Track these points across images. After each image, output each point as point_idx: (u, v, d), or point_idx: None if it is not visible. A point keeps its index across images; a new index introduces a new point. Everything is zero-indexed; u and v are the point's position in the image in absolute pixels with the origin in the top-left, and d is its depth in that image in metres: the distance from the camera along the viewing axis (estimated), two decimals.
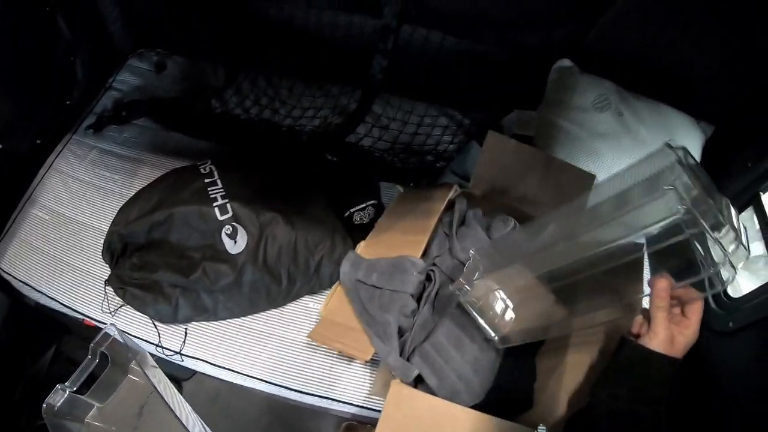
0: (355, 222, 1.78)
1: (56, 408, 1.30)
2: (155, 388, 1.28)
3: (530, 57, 1.94)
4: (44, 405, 1.28)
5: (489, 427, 1.24)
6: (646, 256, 1.55)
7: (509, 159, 1.62)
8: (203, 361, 1.57)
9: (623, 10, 1.70)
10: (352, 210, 1.79)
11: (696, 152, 1.80)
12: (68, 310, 1.65)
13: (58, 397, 1.31)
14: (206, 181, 1.65)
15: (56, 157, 1.95)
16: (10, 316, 1.76)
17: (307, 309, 1.65)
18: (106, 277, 1.62)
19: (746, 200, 1.61)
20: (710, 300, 1.60)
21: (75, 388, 1.32)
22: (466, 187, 1.72)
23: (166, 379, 1.43)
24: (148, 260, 1.58)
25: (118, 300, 1.61)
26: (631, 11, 1.70)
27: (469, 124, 2.13)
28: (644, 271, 1.58)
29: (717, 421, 1.49)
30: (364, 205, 1.80)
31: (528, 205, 1.62)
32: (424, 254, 1.55)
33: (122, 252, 1.63)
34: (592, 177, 1.59)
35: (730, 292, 1.58)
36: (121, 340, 1.37)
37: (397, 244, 1.57)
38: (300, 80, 2.24)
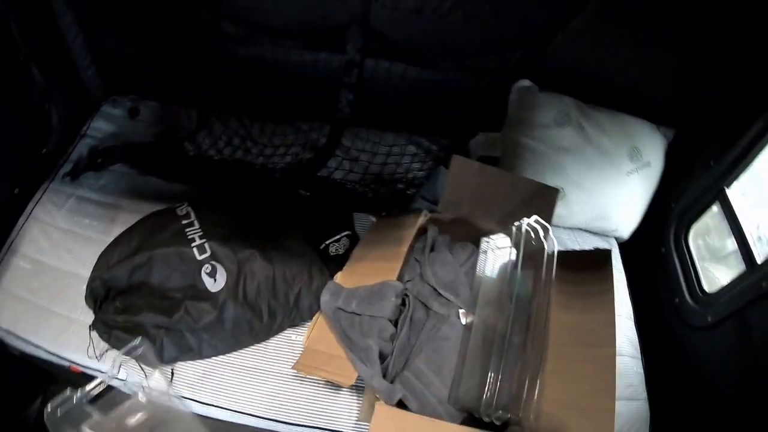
0: (331, 253, 1.83)
1: (58, 413, 1.32)
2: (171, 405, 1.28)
3: (489, 81, 2.03)
4: (47, 407, 1.29)
5: None
6: None
7: (475, 181, 1.69)
8: (192, 400, 1.57)
9: (576, 31, 1.79)
10: (327, 242, 1.83)
11: (659, 156, 1.89)
12: (54, 357, 1.65)
13: (64, 401, 1.33)
14: (183, 222, 1.69)
15: (35, 205, 1.96)
16: None
17: (290, 341, 1.67)
18: (91, 323, 1.63)
19: (712, 197, 1.69)
20: (687, 297, 1.68)
21: (85, 400, 1.34)
22: (436, 211, 1.77)
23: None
24: (130, 303, 1.60)
25: (104, 344, 1.61)
26: (584, 32, 1.80)
27: (437, 150, 2.20)
28: None
29: (699, 412, 1.54)
30: (338, 237, 1.84)
31: (495, 224, 1.67)
32: (398, 280, 1.60)
33: (105, 296, 1.64)
34: (556, 191, 1.65)
35: (706, 287, 1.65)
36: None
37: (373, 272, 1.61)
38: (270, 119, 2.30)
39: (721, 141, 1.68)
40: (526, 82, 1.93)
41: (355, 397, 1.56)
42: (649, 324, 1.82)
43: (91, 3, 2.04)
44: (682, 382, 1.67)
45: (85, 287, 1.66)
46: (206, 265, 1.59)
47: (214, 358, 1.62)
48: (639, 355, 1.73)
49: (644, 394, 1.65)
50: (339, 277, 1.67)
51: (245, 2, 1.99)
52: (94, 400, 1.40)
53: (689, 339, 1.67)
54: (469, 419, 1.39)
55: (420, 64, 2.03)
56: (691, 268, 1.72)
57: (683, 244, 1.78)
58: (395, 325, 1.53)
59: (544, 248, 1.48)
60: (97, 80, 2.28)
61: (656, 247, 1.88)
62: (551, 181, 1.79)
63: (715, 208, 1.71)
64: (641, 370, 1.70)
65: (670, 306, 1.76)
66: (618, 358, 1.60)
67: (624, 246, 2.02)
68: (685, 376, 1.66)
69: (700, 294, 1.66)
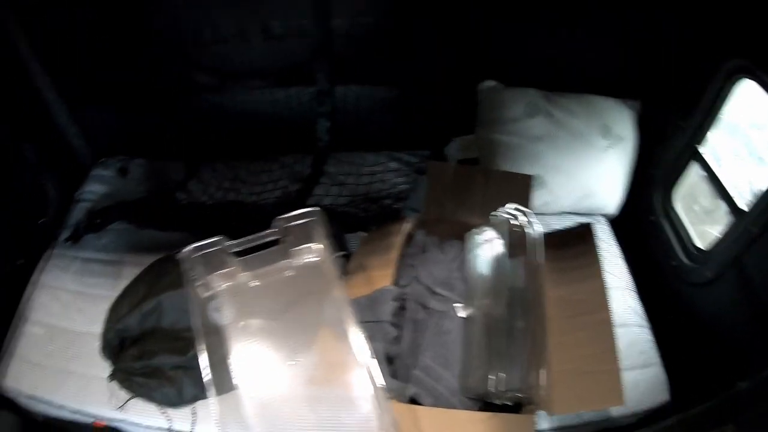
0: None
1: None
2: None
3: (452, 88, 2.14)
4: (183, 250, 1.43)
5: (491, 423, 1.31)
6: None
7: (452, 181, 1.77)
8: None
9: (522, 27, 1.94)
10: None
11: (630, 129, 1.95)
12: (77, 415, 1.68)
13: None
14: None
15: (41, 273, 2.00)
16: None
17: None
18: (109, 374, 1.66)
19: (687, 157, 1.75)
20: (683, 258, 1.72)
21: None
22: (421, 215, 1.83)
23: None
24: (145, 349, 1.64)
25: (124, 395, 1.64)
26: (530, 28, 1.94)
27: (417, 162, 2.28)
28: None
29: (712, 367, 1.55)
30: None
31: (478, 218, 1.74)
32: (394, 285, 1.65)
33: (120, 347, 1.68)
34: (530, 177, 1.73)
35: (700, 245, 1.70)
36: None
37: (368, 281, 1.66)
38: (255, 158, 2.38)
39: (685, 102, 1.73)
40: (490, 82, 2.01)
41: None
42: (652, 292, 1.84)
43: (70, 75, 2.13)
44: (692, 341, 1.69)
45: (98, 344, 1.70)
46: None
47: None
48: (646, 323, 1.76)
49: (657, 359, 1.68)
50: None
51: (211, 51, 2.09)
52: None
53: (693, 298, 1.70)
54: (484, 405, 1.42)
55: (385, 84, 2.14)
56: (682, 229, 1.77)
57: (670, 207, 1.82)
58: (398, 329, 1.57)
59: (527, 233, 1.53)
60: (86, 147, 2.37)
61: (646, 217, 1.93)
62: (530, 171, 1.86)
63: (693, 169, 1.76)
64: (651, 337, 1.73)
65: (669, 270, 1.80)
66: (625, 329, 1.67)
67: (615, 222, 2.06)
68: (695, 335, 1.68)
69: (696, 252, 1.70)
